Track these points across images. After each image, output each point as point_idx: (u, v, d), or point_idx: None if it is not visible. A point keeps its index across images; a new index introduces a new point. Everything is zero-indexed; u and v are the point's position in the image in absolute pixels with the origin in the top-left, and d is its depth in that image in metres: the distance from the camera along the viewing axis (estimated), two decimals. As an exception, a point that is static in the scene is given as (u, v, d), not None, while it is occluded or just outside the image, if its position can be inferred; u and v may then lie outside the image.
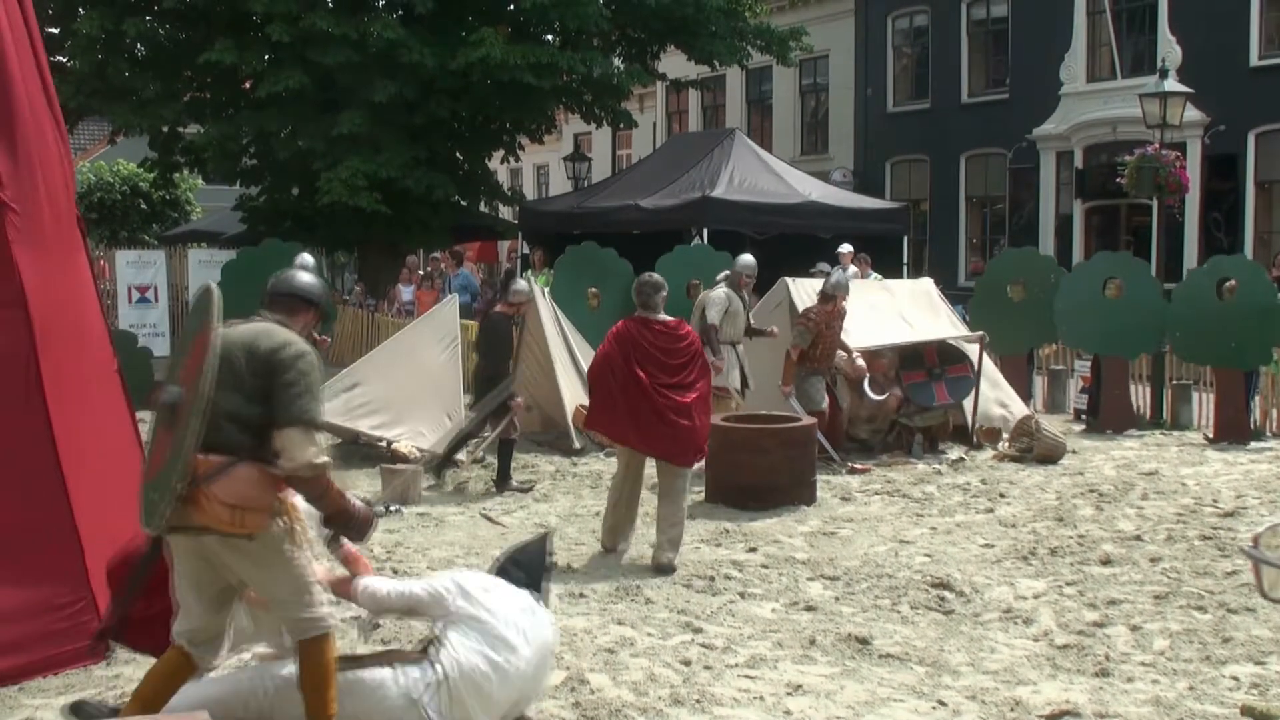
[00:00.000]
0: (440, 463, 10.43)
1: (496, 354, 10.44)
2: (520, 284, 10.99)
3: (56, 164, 5.93)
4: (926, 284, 13.31)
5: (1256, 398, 13.20)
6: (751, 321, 11.28)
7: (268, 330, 4.28)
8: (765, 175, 19.37)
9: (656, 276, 8.04)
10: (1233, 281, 13.04)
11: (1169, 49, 21.92)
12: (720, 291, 11.03)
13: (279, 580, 4.36)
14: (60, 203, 5.97)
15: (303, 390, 4.18)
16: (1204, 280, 13.34)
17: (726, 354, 10.85)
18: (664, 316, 7.80)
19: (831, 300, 11.04)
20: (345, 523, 4.46)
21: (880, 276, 12.91)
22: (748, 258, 11.54)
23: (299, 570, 4.40)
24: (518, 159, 25.56)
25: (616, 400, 7.59)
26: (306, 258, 10.83)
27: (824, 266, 17.12)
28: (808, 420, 9.97)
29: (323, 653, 4.40)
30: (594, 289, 14.38)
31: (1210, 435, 12.63)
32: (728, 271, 11.49)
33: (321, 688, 4.38)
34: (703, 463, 8.79)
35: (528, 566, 5.02)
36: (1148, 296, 13.55)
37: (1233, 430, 12.48)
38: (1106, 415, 13.28)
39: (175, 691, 4.44)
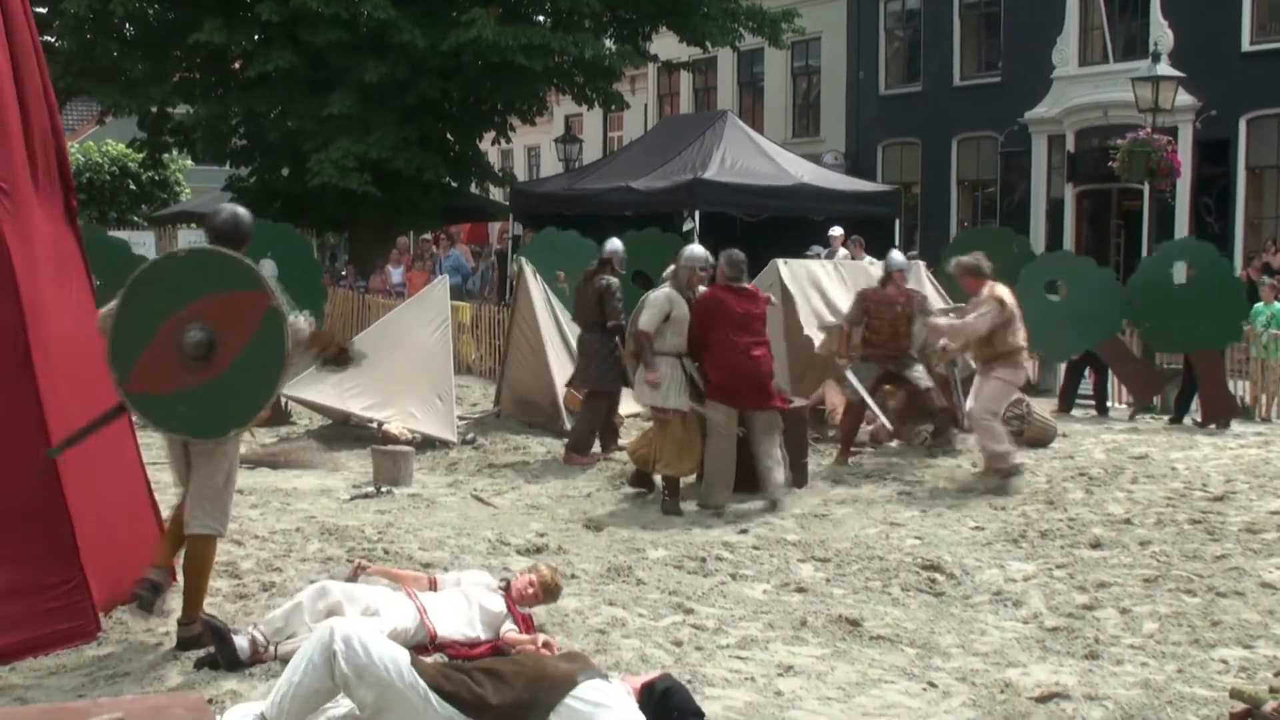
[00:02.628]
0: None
1: None
2: (695, 250, 9.39)
3: (39, 141, 5.89)
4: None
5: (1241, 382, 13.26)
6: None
7: None
8: (757, 157, 19.34)
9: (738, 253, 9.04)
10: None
11: (1161, 33, 21.90)
12: (661, 292, 8.97)
13: (214, 473, 5.46)
14: (52, 180, 5.95)
15: None
16: (1160, 266, 13.27)
17: (667, 368, 8.77)
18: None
19: (888, 283, 10.53)
20: None
21: (874, 260, 12.85)
22: (697, 249, 9.35)
23: (228, 477, 5.55)
24: (509, 140, 25.52)
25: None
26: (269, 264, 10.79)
27: (817, 249, 17.10)
28: (799, 402, 9.97)
29: (204, 550, 5.53)
30: (561, 271, 14.37)
31: (1197, 420, 12.63)
32: (673, 267, 9.30)
33: (199, 580, 5.53)
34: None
35: None
36: (1093, 283, 13.32)
37: (1221, 411, 12.48)
38: (1138, 394, 13.26)
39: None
